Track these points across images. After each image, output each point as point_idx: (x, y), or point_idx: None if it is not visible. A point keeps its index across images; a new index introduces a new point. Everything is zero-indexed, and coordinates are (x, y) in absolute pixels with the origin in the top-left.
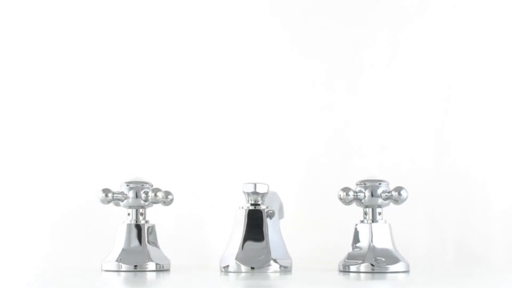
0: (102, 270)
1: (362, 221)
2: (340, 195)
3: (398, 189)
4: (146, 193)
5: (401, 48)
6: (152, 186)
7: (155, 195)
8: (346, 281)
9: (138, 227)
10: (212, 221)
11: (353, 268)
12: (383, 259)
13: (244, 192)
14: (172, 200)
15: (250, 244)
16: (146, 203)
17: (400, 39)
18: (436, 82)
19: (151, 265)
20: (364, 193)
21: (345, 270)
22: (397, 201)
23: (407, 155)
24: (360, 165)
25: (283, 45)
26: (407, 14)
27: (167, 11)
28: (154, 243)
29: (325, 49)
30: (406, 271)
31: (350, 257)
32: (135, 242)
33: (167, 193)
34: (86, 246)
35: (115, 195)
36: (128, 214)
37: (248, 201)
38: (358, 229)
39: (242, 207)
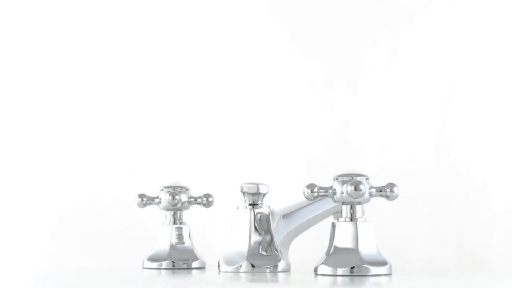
0: (143, 268)
1: (339, 220)
2: (304, 192)
3: (355, 183)
4: (173, 196)
5: (401, 48)
6: (187, 190)
7: (173, 198)
8: (321, 285)
9: (171, 229)
10: (212, 221)
11: (328, 270)
12: (365, 260)
13: (241, 192)
14: (211, 202)
15: (236, 244)
16: (178, 206)
17: (400, 39)
18: (436, 82)
19: (177, 264)
20: (342, 189)
21: (321, 273)
22: (353, 197)
23: (407, 155)
24: (360, 165)
25: (283, 45)
26: (407, 14)
27: (169, 11)
28: (184, 243)
29: (325, 49)
30: (388, 274)
31: (326, 259)
32: (167, 242)
33: (207, 196)
34: (87, 246)
35: (148, 199)
36: (165, 216)
37: (245, 201)
38: (335, 228)
39: (238, 208)
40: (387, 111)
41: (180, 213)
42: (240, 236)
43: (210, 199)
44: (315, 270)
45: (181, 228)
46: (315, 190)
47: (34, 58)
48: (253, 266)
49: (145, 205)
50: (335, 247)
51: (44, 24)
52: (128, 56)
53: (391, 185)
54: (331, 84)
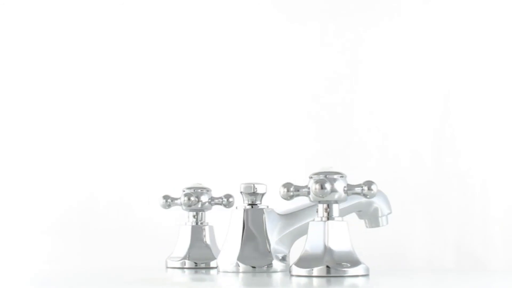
0: (166, 267)
1: (316, 219)
2: (280, 192)
3: (320, 182)
4: (189, 197)
5: (401, 48)
6: (208, 190)
7: (188, 199)
8: (293, 287)
9: (192, 228)
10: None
11: (303, 271)
12: (340, 261)
13: (240, 192)
14: (232, 202)
15: (232, 244)
16: (199, 207)
17: (400, 38)
18: (436, 82)
19: (198, 264)
20: (312, 187)
21: (295, 274)
22: (318, 195)
23: (407, 156)
24: (360, 165)
25: (283, 45)
26: (407, 13)
27: (171, 11)
28: (205, 243)
29: (325, 48)
30: (366, 275)
31: (302, 259)
32: (188, 242)
33: (228, 196)
34: (87, 246)
35: (171, 200)
36: (188, 217)
37: (244, 201)
38: (311, 227)
39: (236, 207)
40: (387, 111)
41: (202, 214)
42: (235, 236)
43: (230, 199)
44: (290, 270)
45: (201, 228)
46: (291, 189)
47: (35, 58)
48: (251, 266)
49: (169, 206)
50: (311, 247)
51: (46, 24)
52: (128, 55)
53: (369, 183)
54: (331, 84)
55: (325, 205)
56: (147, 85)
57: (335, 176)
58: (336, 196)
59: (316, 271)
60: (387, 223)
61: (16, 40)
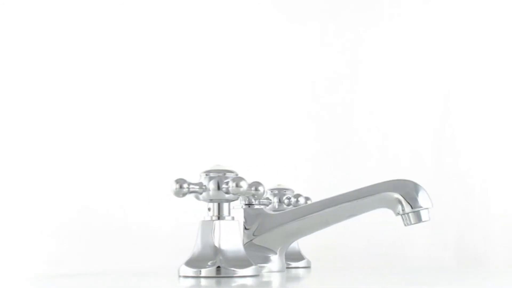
0: None
1: (205, 218)
2: (173, 188)
3: (179, 182)
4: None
5: (401, 48)
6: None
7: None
8: None
9: None
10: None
11: (191, 272)
12: (229, 262)
13: None
14: (299, 202)
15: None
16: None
17: (400, 38)
18: (436, 82)
19: None
20: (207, 185)
21: (183, 274)
22: (234, 194)
23: (407, 156)
24: (360, 165)
25: (284, 45)
26: (407, 14)
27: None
28: None
29: (325, 48)
30: (256, 275)
31: (191, 260)
32: None
33: (297, 196)
34: (87, 249)
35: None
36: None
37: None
38: (201, 227)
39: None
40: (387, 111)
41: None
42: None
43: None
44: (178, 271)
45: None
46: (184, 186)
47: (34, 62)
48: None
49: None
50: (200, 247)
51: (46, 24)
52: (125, 61)
53: (256, 184)
54: (332, 84)
55: (215, 204)
56: (144, 93)
57: (226, 174)
58: (225, 195)
59: (204, 271)
60: (428, 218)
61: (14, 43)
